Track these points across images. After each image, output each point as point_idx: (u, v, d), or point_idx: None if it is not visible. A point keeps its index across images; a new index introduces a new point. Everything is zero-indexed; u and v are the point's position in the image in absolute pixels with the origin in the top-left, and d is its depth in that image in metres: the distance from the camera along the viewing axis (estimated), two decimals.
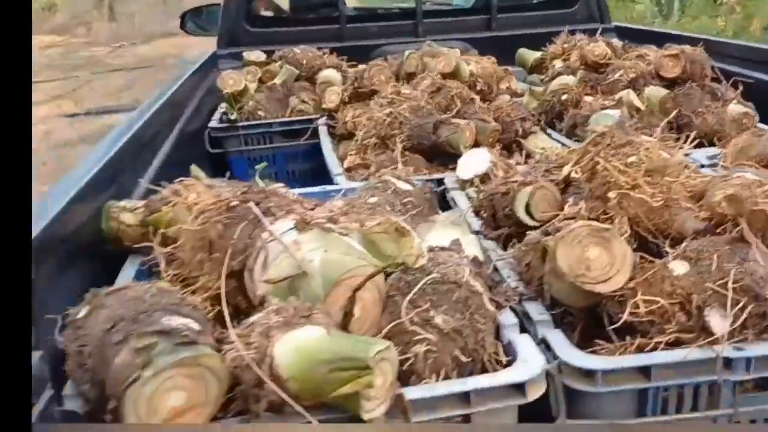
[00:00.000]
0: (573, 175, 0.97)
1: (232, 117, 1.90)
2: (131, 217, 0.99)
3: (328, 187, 1.24)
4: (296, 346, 0.60)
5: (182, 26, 3.46)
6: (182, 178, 1.00)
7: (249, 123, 1.97)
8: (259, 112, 1.96)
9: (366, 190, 0.98)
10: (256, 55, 2.42)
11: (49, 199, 0.98)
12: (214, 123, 2.01)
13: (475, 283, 0.74)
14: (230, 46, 2.59)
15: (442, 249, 0.81)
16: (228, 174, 1.21)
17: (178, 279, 0.81)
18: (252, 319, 0.66)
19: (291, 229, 0.75)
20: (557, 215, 0.91)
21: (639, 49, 1.85)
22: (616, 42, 2.05)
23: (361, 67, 1.87)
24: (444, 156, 1.38)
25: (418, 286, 0.71)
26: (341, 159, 1.56)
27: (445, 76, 1.62)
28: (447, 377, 0.69)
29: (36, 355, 0.65)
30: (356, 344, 0.62)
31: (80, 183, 1.00)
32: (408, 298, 0.70)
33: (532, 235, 0.88)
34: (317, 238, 0.74)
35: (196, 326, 0.62)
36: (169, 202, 0.95)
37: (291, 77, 2.09)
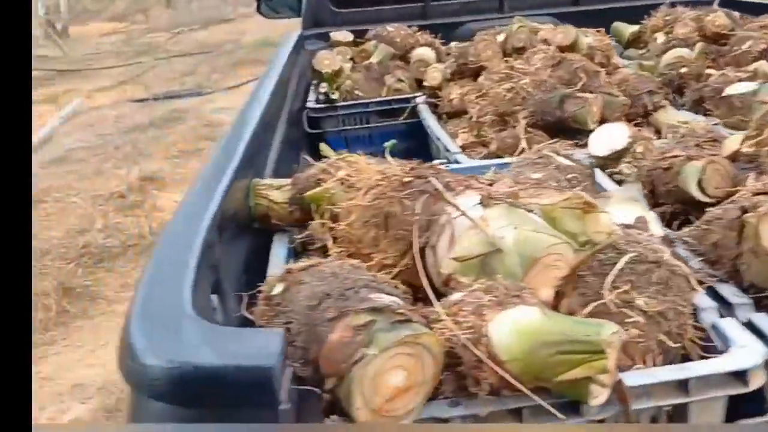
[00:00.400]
0: (745, 149, 0.91)
1: (334, 97, 1.89)
2: (279, 195, 0.98)
3: (470, 163, 1.20)
4: (515, 327, 0.58)
5: (258, 9, 3.46)
6: (340, 155, 0.99)
7: (347, 103, 1.95)
8: (357, 92, 1.94)
9: (525, 166, 0.94)
10: (343, 35, 2.40)
11: (208, 177, 0.97)
12: (311, 103, 2.00)
13: (677, 262, 0.70)
14: (315, 27, 2.57)
15: (627, 226, 0.77)
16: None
17: (345, 256, 0.80)
18: (454, 297, 0.63)
19: (477, 204, 0.72)
20: (736, 191, 0.86)
21: (761, 20, 1.75)
22: (734, 13, 1.94)
23: (464, 43, 1.82)
24: (567, 132, 1.33)
25: (618, 266, 0.67)
26: (452, 137, 1.53)
27: (562, 49, 1.56)
28: (654, 364, 0.65)
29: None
30: (582, 326, 0.59)
31: (233, 163, 0.99)
32: (609, 278, 0.67)
33: (717, 211, 0.82)
34: (504, 214, 0.71)
35: (403, 304, 0.61)
36: (318, 180, 0.94)
37: (387, 56, 2.06)
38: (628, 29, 2.23)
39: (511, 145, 1.32)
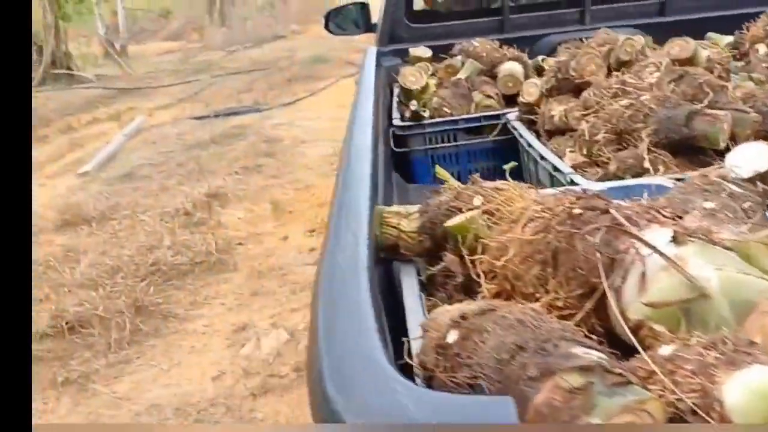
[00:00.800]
0: None
1: (425, 114, 1.83)
2: (407, 224, 0.92)
3: (593, 186, 1.12)
4: (756, 390, 0.50)
5: (326, 26, 3.45)
6: (480, 183, 0.92)
7: (435, 120, 1.89)
8: (445, 109, 1.88)
9: (690, 192, 0.86)
10: (422, 50, 2.35)
11: (348, 205, 0.92)
12: (397, 121, 1.95)
13: None
14: (391, 43, 2.53)
15: None
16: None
17: (493, 294, 0.73)
18: (664, 352, 0.56)
19: (669, 241, 0.64)
20: None
21: None
22: None
23: (562, 57, 1.74)
24: (693, 151, 1.24)
25: None
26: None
27: (679, 62, 1.47)
28: None
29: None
30: None
31: (365, 190, 0.94)
32: None
33: None
34: (701, 252, 0.63)
35: (611, 361, 0.53)
36: (451, 208, 0.87)
37: (475, 71, 2.00)
38: (723, 40, 2.11)
39: (632, 166, 1.23)
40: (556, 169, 1.35)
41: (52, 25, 9.06)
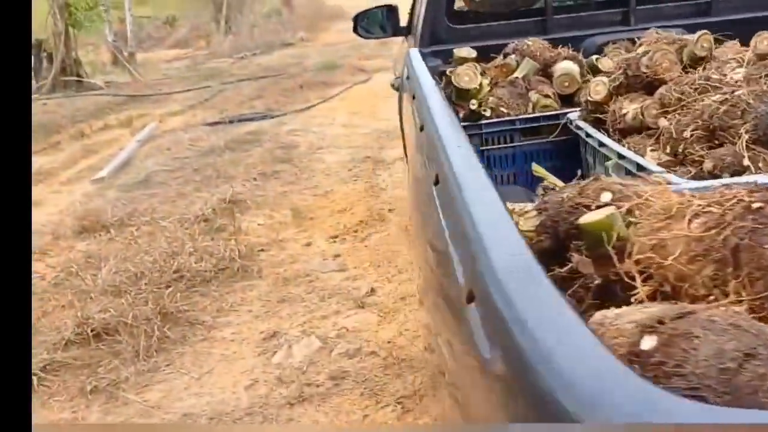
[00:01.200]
0: None
1: (486, 114, 1.77)
2: (524, 222, 0.86)
3: (691, 184, 1.06)
4: None
5: (354, 30, 3.41)
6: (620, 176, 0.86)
7: (492, 120, 1.84)
8: (502, 109, 1.82)
9: None
10: (467, 51, 2.29)
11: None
12: None
13: None
14: (432, 44, 2.48)
15: None
16: None
17: (653, 296, 0.67)
18: None
19: None
20: None
21: None
22: None
23: (629, 54, 1.69)
24: None
25: None
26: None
27: (762, 57, 1.41)
28: None
29: None
30: None
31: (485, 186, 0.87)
32: None
33: None
34: None
35: None
36: (577, 205, 0.81)
37: (532, 70, 1.95)
38: None
39: (730, 164, 1.17)
40: (640, 167, 1.29)
41: (62, 33, 9.03)
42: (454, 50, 2.29)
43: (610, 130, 1.58)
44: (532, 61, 1.96)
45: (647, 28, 2.35)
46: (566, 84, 1.88)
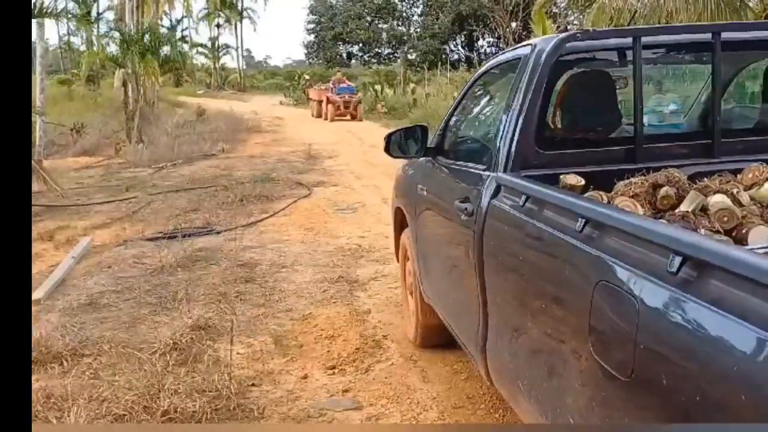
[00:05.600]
0: None
1: None
2: None
3: None
4: None
5: (386, 149, 3.28)
6: None
7: None
8: None
9: None
10: (575, 179, 2.20)
11: None
12: None
13: None
14: (523, 169, 2.37)
15: None
16: None
17: None
18: None
19: None
20: None
21: None
22: None
23: None
24: None
25: None
26: None
27: None
28: None
29: None
30: None
31: None
32: None
33: None
34: None
35: None
36: None
37: (699, 204, 1.86)
38: None
39: None
40: None
41: None
42: (561, 177, 2.19)
43: None
44: (701, 195, 1.88)
45: (732, 161, 2.38)
46: (725, 219, 1.80)
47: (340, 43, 51.60)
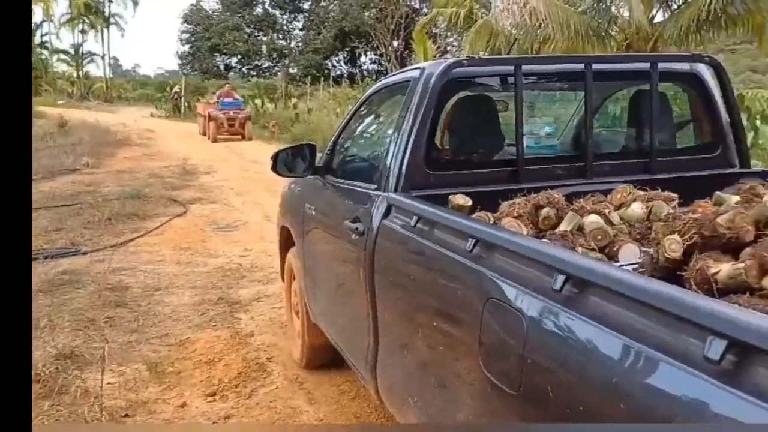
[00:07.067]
0: None
1: None
2: None
3: None
4: None
5: (273, 167, 3.21)
6: None
7: None
8: None
9: None
10: (463, 199, 2.25)
11: None
12: None
13: None
14: (412, 189, 2.40)
15: None
16: None
17: None
18: None
19: None
20: None
21: None
22: None
23: (698, 214, 1.75)
24: None
25: None
26: None
27: None
28: None
29: None
30: None
31: None
32: None
33: None
34: None
35: None
36: None
37: (577, 224, 1.95)
38: (732, 199, 2.33)
39: None
40: None
41: None
42: (450, 197, 2.24)
43: (693, 287, 1.61)
44: (578, 215, 1.98)
45: (603, 182, 2.55)
46: (599, 237, 1.92)
47: (217, 54, 50.27)
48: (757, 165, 7.88)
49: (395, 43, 29.43)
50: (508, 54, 12.13)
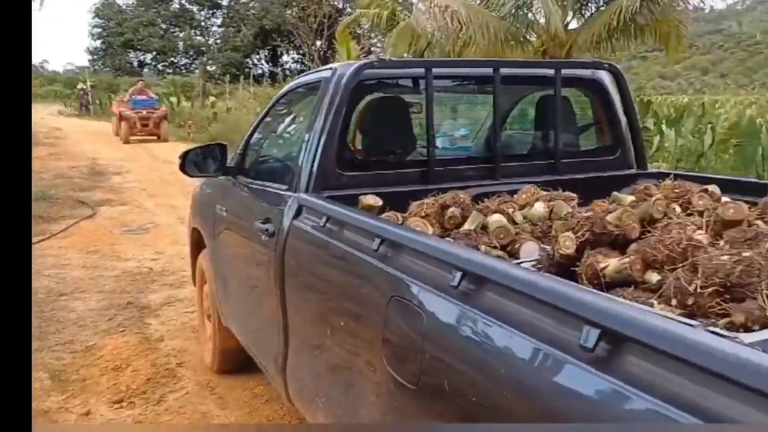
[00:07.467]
0: None
1: None
2: None
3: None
4: None
5: (181, 167, 3.12)
6: None
7: None
8: None
9: None
10: (373, 199, 2.27)
11: None
12: None
13: None
14: (324, 190, 2.40)
15: None
16: None
17: None
18: None
19: None
20: None
21: None
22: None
23: (590, 213, 1.84)
24: None
25: None
26: None
27: (727, 223, 1.68)
28: None
29: None
30: None
31: None
32: None
33: None
34: None
35: None
36: None
37: (480, 224, 2.00)
38: (627, 199, 2.44)
39: (759, 317, 1.35)
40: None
41: None
42: (361, 197, 2.25)
43: (584, 282, 1.69)
44: (481, 215, 2.03)
45: (511, 183, 2.63)
46: (502, 236, 1.98)
47: (131, 50, 48.39)
48: (661, 167, 8.42)
49: (318, 43, 29.24)
50: (422, 56, 12.31)
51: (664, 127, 9.88)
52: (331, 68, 2.62)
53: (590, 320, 1.04)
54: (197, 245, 3.88)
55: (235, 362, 3.58)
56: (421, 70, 2.63)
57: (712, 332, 1.31)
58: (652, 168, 3.32)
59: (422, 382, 1.46)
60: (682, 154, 8.99)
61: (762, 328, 1.36)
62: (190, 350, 4.15)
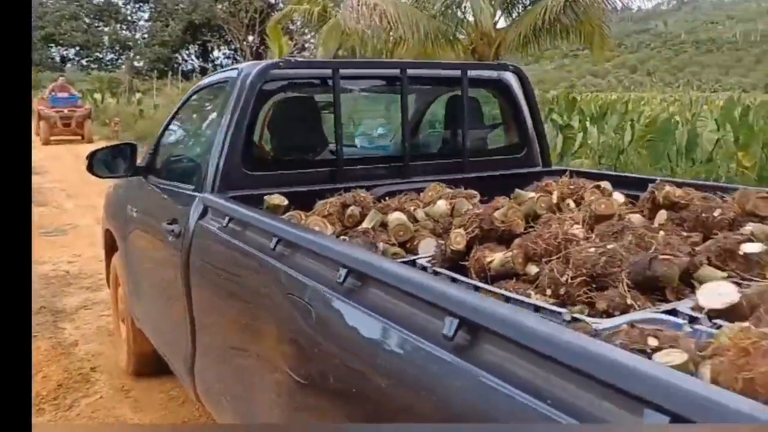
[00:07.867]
0: None
1: None
2: None
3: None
4: None
5: (89, 168, 3.05)
6: None
7: None
8: None
9: None
10: (279, 198, 2.30)
11: None
12: None
13: None
14: (229, 190, 2.41)
15: None
16: None
17: None
18: None
19: None
20: None
21: None
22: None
23: (478, 210, 1.91)
24: (652, 288, 1.52)
25: None
26: None
27: (600, 217, 1.79)
28: None
29: None
30: None
31: None
32: None
33: None
34: None
35: None
36: None
37: (378, 222, 2.05)
38: (527, 195, 2.54)
39: (619, 304, 1.45)
40: (537, 308, 1.50)
41: None
42: (266, 197, 2.27)
43: (473, 275, 1.77)
44: (380, 213, 2.08)
45: (420, 181, 2.70)
46: (401, 233, 2.04)
47: (52, 45, 46.34)
48: (584, 163, 8.72)
49: (250, 38, 28.76)
50: (353, 54, 12.33)
51: (588, 124, 10.23)
52: (237, 68, 2.63)
53: (450, 311, 1.11)
54: (111, 247, 3.80)
55: (151, 365, 3.53)
56: (329, 71, 2.67)
57: (574, 319, 1.42)
58: (556, 166, 3.47)
59: (312, 378, 1.50)
60: (604, 150, 9.35)
61: (622, 313, 1.47)
62: (106, 354, 4.06)
